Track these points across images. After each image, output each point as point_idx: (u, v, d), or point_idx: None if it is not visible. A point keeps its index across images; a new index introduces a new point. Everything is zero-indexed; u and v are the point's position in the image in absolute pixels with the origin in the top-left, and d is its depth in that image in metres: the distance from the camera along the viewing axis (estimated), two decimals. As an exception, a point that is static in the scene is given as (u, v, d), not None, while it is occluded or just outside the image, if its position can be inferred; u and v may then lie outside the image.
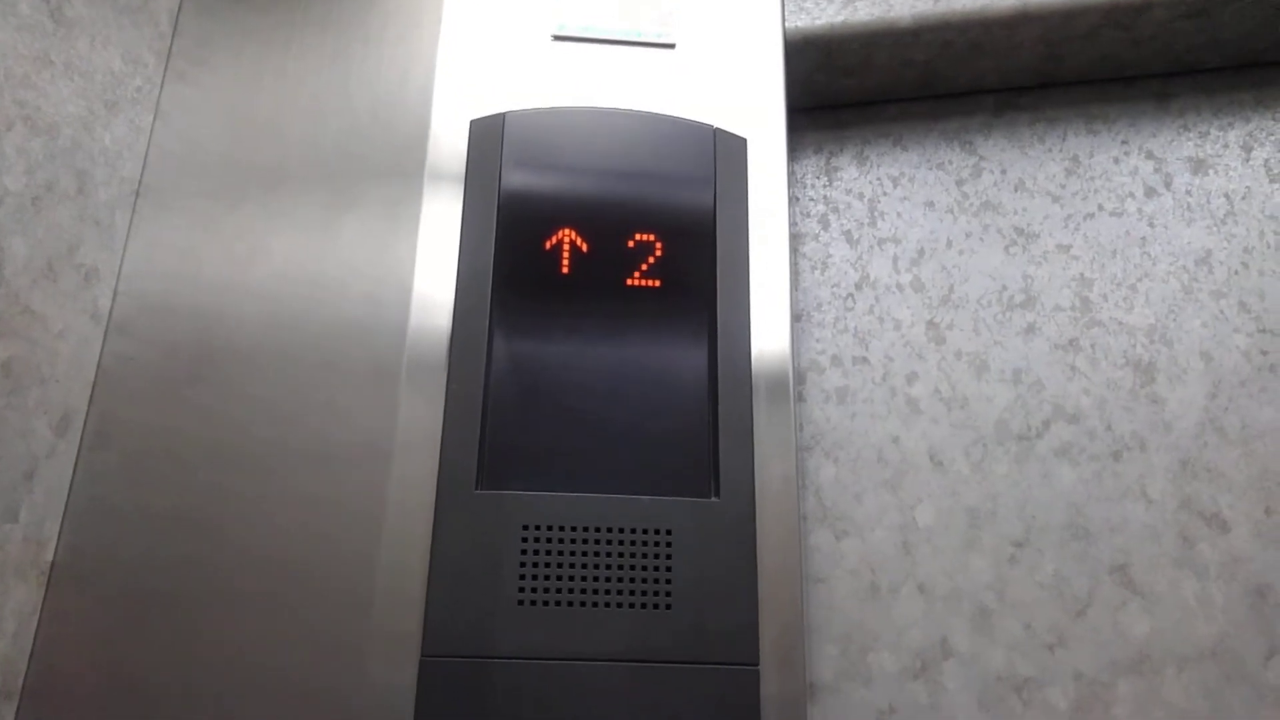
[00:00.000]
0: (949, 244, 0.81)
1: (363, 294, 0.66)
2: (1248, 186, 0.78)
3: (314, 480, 0.61)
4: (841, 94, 0.88)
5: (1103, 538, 0.69)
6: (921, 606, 0.69)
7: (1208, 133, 0.81)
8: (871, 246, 0.82)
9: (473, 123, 0.70)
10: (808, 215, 0.84)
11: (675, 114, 0.72)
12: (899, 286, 0.80)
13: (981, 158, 0.84)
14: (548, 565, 0.58)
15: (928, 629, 0.68)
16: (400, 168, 0.70)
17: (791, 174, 0.85)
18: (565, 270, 0.66)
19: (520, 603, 0.57)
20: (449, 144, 0.70)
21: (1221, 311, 0.75)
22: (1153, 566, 0.67)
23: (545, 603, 0.57)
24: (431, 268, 0.67)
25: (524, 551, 0.58)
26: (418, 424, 0.62)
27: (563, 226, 0.67)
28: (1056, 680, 0.65)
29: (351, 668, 0.57)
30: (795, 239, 0.83)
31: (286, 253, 0.68)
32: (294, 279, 0.67)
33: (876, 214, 0.84)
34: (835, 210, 0.84)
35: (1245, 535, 0.67)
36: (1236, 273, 0.76)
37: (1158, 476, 0.70)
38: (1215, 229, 0.77)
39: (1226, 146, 0.80)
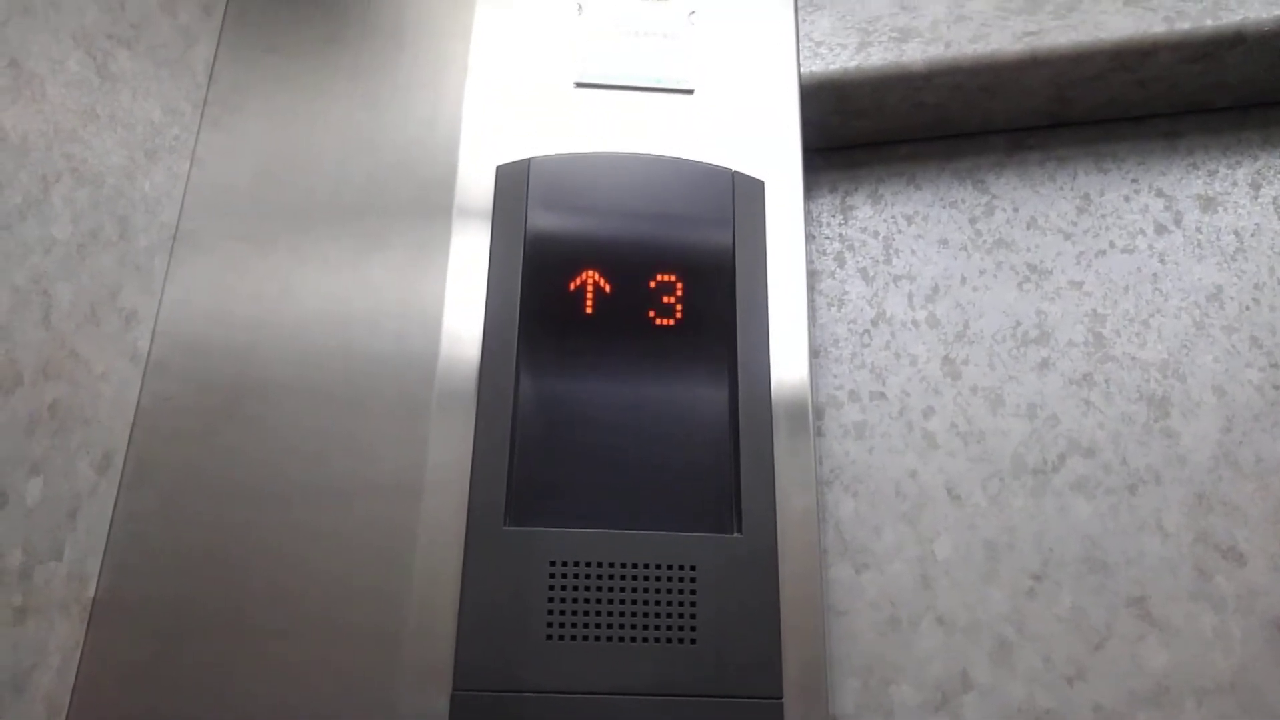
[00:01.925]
0: (963, 281, 0.83)
1: (392, 332, 0.68)
2: (1257, 223, 0.80)
3: (346, 515, 0.63)
4: (856, 135, 0.90)
5: (1120, 571, 0.70)
6: (941, 639, 0.70)
7: (1216, 171, 0.83)
8: (887, 283, 0.84)
9: (499, 168, 0.73)
10: (824, 253, 0.86)
11: (695, 158, 0.74)
12: (914, 323, 0.82)
13: (994, 196, 0.86)
14: (575, 601, 0.59)
15: (948, 661, 0.69)
16: (428, 210, 0.72)
17: (808, 213, 0.87)
18: (589, 310, 0.68)
19: (549, 638, 0.58)
20: (476, 187, 0.73)
21: (1233, 346, 0.76)
22: (1170, 599, 0.68)
23: (573, 638, 0.58)
24: (459, 308, 0.69)
25: (552, 587, 0.60)
26: (446, 461, 0.64)
27: (587, 268, 0.69)
28: (1076, 713, 0.66)
29: (384, 702, 0.58)
30: (812, 276, 0.85)
31: (317, 292, 0.70)
32: (325, 318, 0.69)
33: (891, 251, 0.85)
34: (851, 248, 0.86)
35: (1262, 568, 0.68)
36: (1247, 308, 0.77)
37: (1173, 510, 0.71)
38: (1225, 265, 0.79)
39: (1235, 184, 0.82)
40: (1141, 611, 0.68)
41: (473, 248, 0.70)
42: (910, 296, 0.83)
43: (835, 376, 0.81)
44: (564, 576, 0.60)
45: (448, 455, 0.64)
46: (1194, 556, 0.69)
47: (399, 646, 0.59)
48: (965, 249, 0.84)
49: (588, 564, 0.60)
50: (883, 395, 0.79)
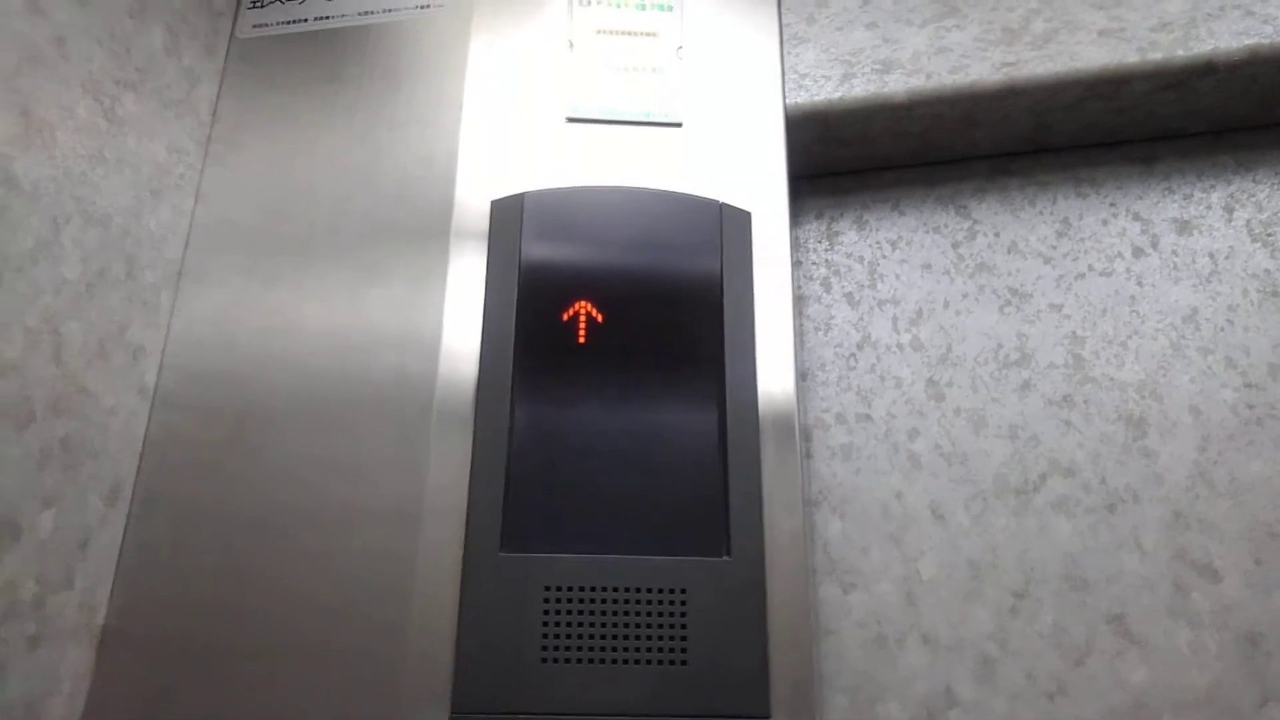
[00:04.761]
0: (946, 304, 0.85)
1: (391, 362, 0.70)
2: (1231, 246, 0.82)
3: (348, 540, 0.65)
4: (840, 163, 0.92)
5: (1099, 588, 0.72)
6: (926, 657, 0.72)
7: (1191, 195, 0.85)
8: (872, 308, 0.86)
9: (493, 202, 0.75)
10: (810, 279, 0.88)
11: (683, 189, 0.76)
12: (899, 346, 0.84)
13: (975, 221, 0.88)
14: (570, 624, 0.61)
15: (933, 679, 0.71)
16: (425, 245, 0.74)
17: (794, 240, 0.89)
18: (582, 339, 0.70)
19: (544, 660, 0.60)
20: (471, 221, 0.75)
21: (1209, 367, 0.78)
22: (1148, 616, 0.70)
23: (568, 660, 0.60)
24: (456, 338, 0.71)
25: (546, 611, 0.62)
26: (444, 488, 0.66)
27: (579, 298, 0.71)
28: (1058, 728, 0.68)
29: (386, 724, 0.60)
30: (799, 302, 0.87)
31: (319, 322, 0.72)
32: (327, 348, 0.71)
33: (876, 276, 0.88)
34: (837, 273, 0.89)
35: (1237, 584, 0.70)
36: (1222, 329, 0.79)
37: (1151, 528, 0.73)
38: (1201, 287, 0.81)
39: (1209, 208, 0.84)
40: (1120, 628, 0.70)
41: (469, 279, 0.73)
42: (895, 320, 0.85)
43: (822, 399, 0.83)
44: (559, 600, 0.62)
45: (445, 482, 0.66)
46: (1171, 573, 0.71)
47: (399, 670, 0.61)
48: (948, 273, 0.86)
49: (581, 588, 0.62)
50: (869, 417, 0.82)
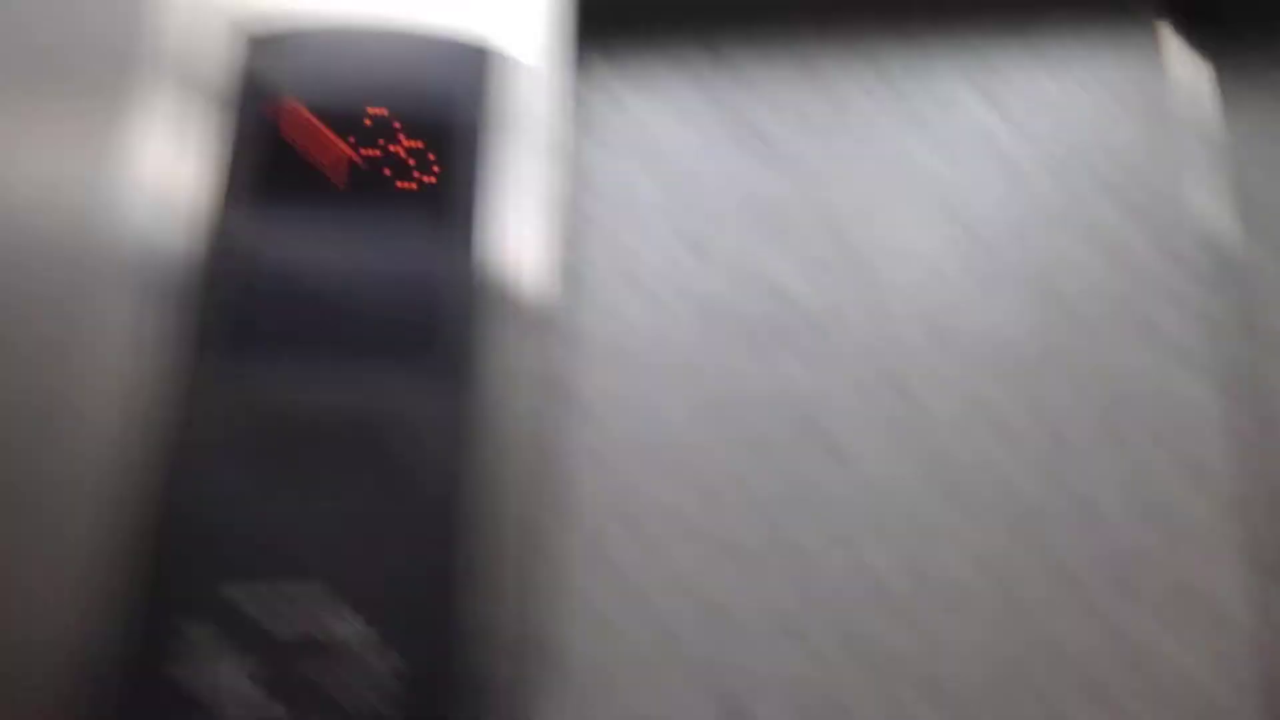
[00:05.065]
0: (709, 160, 0.86)
1: (78, 200, 0.66)
2: (987, 124, 0.86)
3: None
4: (616, 13, 0.91)
5: (820, 418, 0.75)
6: (661, 486, 0.74)
7: (952, 72, 0.89)
8: (637, 160, 0.87)
9: (224, 27, 0.71)
10: (577, 130, 0.88)
11: (445, 26, 0.74)
12: (660, 200, 0.85)
13: (749, 83, 0.90)
14: (275, 442, 0.60)
15: (664, 504, 0.73)
16: (126, 80, 0.69)
17: (562, 88, 0.89)
18: (320, 172, 0.67)
19: (240, 475, 0.59)
20: (192, 47, 0.70)
21: (951, 233, 0.82)
22: (859, 437, 0.75)
23: (265, 476, 0.59)
24: (166, 172, 0.67)
25: (248, 428, 0.60)
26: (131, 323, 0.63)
27: (312, 137, 0.68)
28: (775, 549, 0.71)
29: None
30: (563, 152, 0.87)
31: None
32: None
33: (642, 129, 0.88)
34: (603, 125, 0.89)
35: (945, 419, 0.75)
36: (967, 201, 0.83)
37: (879, 372, 0.77)
38: (954, 160, 0.85)
39: (971, 85, 0.88)
40: (835, 453, 0.74)
41: (192, 113, 0.68)
42: (658, 174, 0.86)
43: (581, 249, 0.83)
44: (262, 418, 0.60)
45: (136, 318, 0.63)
46: (889, 407, 0.76)
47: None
48: (713, 131, 0.88)
49: (292, 406, 0.61)
50: (625, 269, 0.82)
